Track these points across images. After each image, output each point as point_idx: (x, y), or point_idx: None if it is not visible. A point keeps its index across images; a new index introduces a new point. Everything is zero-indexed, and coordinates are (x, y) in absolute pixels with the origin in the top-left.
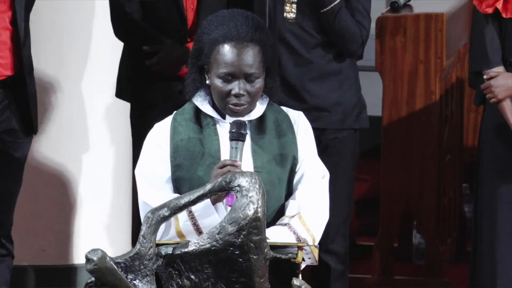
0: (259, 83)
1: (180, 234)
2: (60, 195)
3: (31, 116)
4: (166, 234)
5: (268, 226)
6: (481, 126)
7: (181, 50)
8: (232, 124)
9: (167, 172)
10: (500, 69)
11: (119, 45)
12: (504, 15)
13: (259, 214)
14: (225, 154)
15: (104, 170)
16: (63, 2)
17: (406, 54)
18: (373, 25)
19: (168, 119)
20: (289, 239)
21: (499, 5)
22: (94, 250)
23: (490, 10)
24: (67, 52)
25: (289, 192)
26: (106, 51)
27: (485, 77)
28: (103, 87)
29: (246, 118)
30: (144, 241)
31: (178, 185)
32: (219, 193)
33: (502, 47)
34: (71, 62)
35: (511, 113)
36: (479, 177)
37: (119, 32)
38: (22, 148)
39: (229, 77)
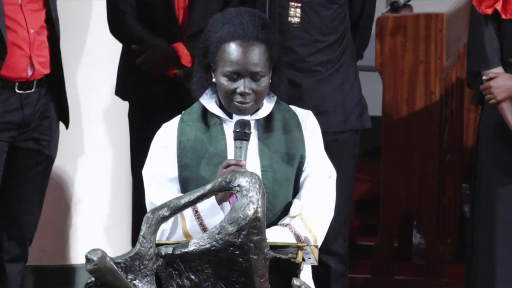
0: (264, 81)
1: (187, 235)
2: (59, 195)
3: (66, 113)
4: (173, 234)
5: (274, 225)
6: (479, 126)
7: (167, 50)
8: (236, 124)
9: (174, 172)
10: (499, 70)
11: (119, 44)
12: (503, 16)
13: (259, 214)
14: (232, 153)
15: (103, 170)
16: (63, 2)
17: (406, 54)
18: (373, 25)
19: (176, 119)
20: (289, 240)
21: (498, 6)
22: (94, 250)
23: (489, 11)
24: (66, 52)
25: (297, 191)
26: (106, 51)
27: (484, 78)
28: (102, 87)
29: (253, 117)
30: (144, 241)
31: (185, 185)
32: (224, 193)
33: (501, 48)
34: (70, 62)
35: (511, 114)
36: (477, 177)
37: (112, 30)
38: (53, 146)
39: (234, 76)
